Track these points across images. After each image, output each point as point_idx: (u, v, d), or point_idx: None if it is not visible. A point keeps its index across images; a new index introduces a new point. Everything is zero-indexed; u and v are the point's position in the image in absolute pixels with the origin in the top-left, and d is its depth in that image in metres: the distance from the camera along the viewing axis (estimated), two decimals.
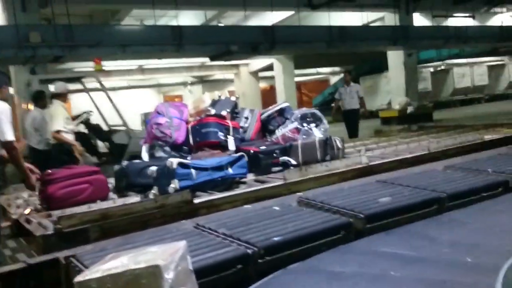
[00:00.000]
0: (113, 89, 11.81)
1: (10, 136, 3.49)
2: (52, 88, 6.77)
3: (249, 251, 2.29)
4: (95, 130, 7.59)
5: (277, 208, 3.02)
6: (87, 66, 12.16)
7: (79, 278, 1.62)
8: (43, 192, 3.86)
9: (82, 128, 7.57)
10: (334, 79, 30.71)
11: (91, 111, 7.73)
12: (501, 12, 20.46)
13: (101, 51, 9.22)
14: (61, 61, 10.07)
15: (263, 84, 27.84)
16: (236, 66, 23.40)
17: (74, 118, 7.45)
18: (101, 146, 7.85)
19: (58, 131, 5.98)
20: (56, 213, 3.56)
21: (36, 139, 6.38)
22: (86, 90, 8.22)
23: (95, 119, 7.74)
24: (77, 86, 8.26)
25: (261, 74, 24.21)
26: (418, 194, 3.13)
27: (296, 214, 2.86)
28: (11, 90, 9.92)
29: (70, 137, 6.15)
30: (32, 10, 9.34)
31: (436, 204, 3.05)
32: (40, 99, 6.76)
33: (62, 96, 6.23)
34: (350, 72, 10.24)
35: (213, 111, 5.03)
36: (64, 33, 8.94)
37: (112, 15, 13.95)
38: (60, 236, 2.99)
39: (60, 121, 6.01)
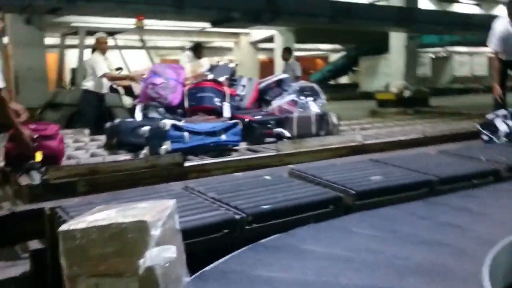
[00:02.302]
0: (109, 47, 11.57)
1: None
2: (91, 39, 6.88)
3: (237, 216, 2.28)
4: (124, 86, 7.63)
5: (268, 177, 3.00)
6: (125, 23, 11.69)
7: (63, 227, 1.59)
8: (47, 147, 3.44)
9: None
10: (334, 57, 30.47)
11: (121, 68, 7.80)
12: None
13: (99, 6, 8.91)
14: (57, 13, 9.81)
15: (262, 56, 27.53)
16: (237, 34, 23.03)
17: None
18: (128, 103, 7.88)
19: (105, 74, 6.12)
20: None
21: None
22: (118, 46, 8.25)
23: None
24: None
25: (261, 45, 23.90)
26: (410, 176, 3.13)
27: (286, 184, 2.85)
28: (5, 40, 9.74)
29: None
30: None
31: (426, 187, 3.05)
32: (198, 50, 8.17)
33: (100, 48, 6.26)
34: (290, 48, 9.67)
35: (210, 76, 4.96)
36: None
37: None
38: (46, 187, 2.96)
39: (102, 66, 6.11)
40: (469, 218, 2.54)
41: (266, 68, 25.87)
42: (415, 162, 3.47)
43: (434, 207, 2.73)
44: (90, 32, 7.78)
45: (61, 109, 7.03)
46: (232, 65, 5.38)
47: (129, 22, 11.27)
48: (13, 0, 7.86)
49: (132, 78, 6.18)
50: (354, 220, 2.51)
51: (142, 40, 8.14)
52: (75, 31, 7.87)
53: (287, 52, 9.39)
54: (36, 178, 3.19)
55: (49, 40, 13.47)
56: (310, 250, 2.10)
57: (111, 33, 8.50)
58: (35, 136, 3.40)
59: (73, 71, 7.96)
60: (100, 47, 6.26)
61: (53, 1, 8.60)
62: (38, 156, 3.32)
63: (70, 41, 8.60)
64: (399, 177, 3.08)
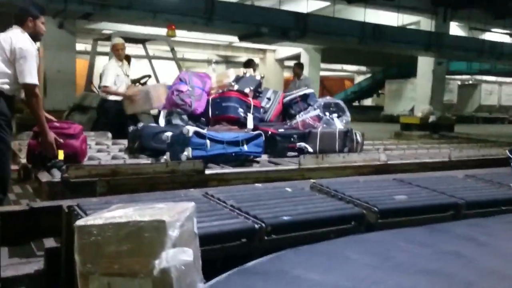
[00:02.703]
0: (137, 56, 11.74)
1: (30, 78, 3.16)
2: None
3: (256, 226, 2.21)
4: None
5: (289, 189, 2.93)
6: (156, 31, 11.84)
7: (80, 222, 1.56)
8: (69, 145, 3.50)
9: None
10: (359, 78, 30.38)
11: (149, 75, 7.85)
12: None
13: (132, 14, 9.12)
14: (90, 19, 10.03)
15: (286, 74, 27.61)
16: (263, 51, 23.17)
17: (135, 81, 7.68)
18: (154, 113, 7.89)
19: (105, 87, 5.93)
20: None
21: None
22: (147, 55, 8.36)
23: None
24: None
25: (286, 63, 23.96)
26: (436, 197, 3.02)
27: (308, 197, 2.78)
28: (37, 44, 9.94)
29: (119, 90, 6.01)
30: None
31: (453, 210, 2.93)
32: (250, 65, 7.64)
33: (116, 55, 6.04)
34: (301, 64, 8.97)
35: (236, 87, 4.94)
36: None
37: None
38: (66, 185, 2.96)
39: (108, 77, 5.92)
40: (474, 248, 2.33)
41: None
42: (441, 184, 3.35)
43: (436, 234, 2.52)
44: (124, 38, 7.88)
45: (88, 112, 7.09)
46: (258, 77, 5.35)
47: (160, 31, 11.46)
48: (48, 4, 8.04)
49: (125, 96, 5.88)
50: (345, 244, 2.28)
51: (172, 49, 8.20)
52: (106, 37, 7.98)
53: (299, 67, 8.72)
54: (56, 175, 3.19)
55: (79, 46, 13.78)
56: (304, 277, 1.87)
57: (142, 40, 8.61)
58: (60, 140, 3.42)
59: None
60: (116, 54, 6.05)
61: (86, 6, 8.80)
62: (61, 154, 3.33)
63: (100, 48, 8.74)
64: (424, 198, 2.98)
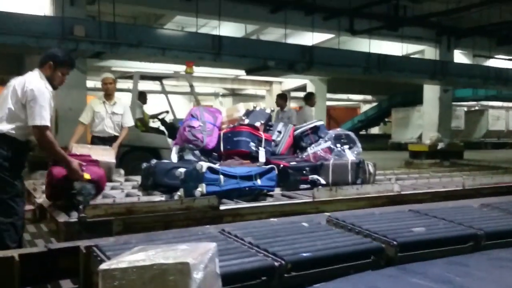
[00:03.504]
0: (150, 92, 12.15)
1: (40, 120, 3.04)
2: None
3: (276, 263, 2.19)
4: (169, 128, 7.79)
5: (305, 224, 2.92)
6: (169, 68, 12.15)
7: (104, 266, 1.56)
8: (94, 171, 3.53)
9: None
10: (365, 107, 30.50)
11: (167, 111, 7.96)
12: None
13: (141, 51, 9.29)
14: (101, 57, 10.22)
15: (293, 105, 27.80)
16: (269, 83, 23.44)
17: (153, 116, 7.92)
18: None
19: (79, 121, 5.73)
20: None
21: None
22: (164, 91, 8.50)
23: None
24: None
25: (293, 94, 24.17)
26: (454, 229, 2.98)
27: (325, 232, 2.76)
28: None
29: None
30: (80, 5, 9.53)
31: (472, 241, 2.89)
32: (310, 99, 8.56)
33: (104, 88, 5.69)
34: (285, 95, 8.84)
35: (246, 121, 4.99)
36: (107, 30, 9.07)
37: (155, 20, 14.16)
38: (83, 225, 2.96)
39: (83, 112, 5.77)
40: None
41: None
42: (458, 215, 3.32)
43: (404, 278, 2.29)
44: (143, 76, 8.06)
45: None
46: (268, 110, 5.41)
47: (170, 67, 11.64)
48: (60, 44, 8.23)
49: None
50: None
51: (191, 86, 8.38)
52: (128, 76, 8.19)
53: (283, 99, 8.48)
54: (73, 215, 3.21)
55: (89, 83, 14.01)
56: None
57: (160, 77, 8.82)
58: (83, 163, 3.45)
59: None
60: (103, 88, 5.67)
61: (97, 46, 8.98)
62: (86, 176, 3.35)
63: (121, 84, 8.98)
64: (442, 229, 2.94)
